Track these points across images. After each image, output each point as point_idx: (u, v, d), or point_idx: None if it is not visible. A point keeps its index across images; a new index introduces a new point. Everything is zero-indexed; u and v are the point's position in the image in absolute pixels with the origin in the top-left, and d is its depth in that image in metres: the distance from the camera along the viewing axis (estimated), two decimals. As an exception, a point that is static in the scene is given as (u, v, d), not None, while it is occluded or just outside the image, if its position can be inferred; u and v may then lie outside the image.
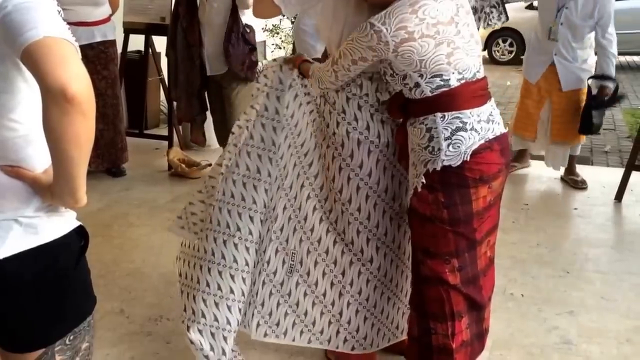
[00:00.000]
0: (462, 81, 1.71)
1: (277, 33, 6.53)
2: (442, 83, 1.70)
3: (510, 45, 10.53)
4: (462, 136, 1.71)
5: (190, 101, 4.01)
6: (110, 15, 4.12)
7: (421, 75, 1.69)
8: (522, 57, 4.47)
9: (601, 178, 4.19)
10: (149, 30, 4.62)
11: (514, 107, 4.38)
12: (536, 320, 2.51)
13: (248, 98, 3.68)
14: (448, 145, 1.70)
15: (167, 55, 4.04)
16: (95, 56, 4.02)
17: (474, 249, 1.81)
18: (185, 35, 3.73)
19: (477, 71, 1.75)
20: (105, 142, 4.19)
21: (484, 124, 1.74)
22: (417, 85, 1.71)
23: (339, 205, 1.98)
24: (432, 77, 1.69)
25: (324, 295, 2.07)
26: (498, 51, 10.66)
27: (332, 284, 2.05)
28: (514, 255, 3.05)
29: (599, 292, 2.72)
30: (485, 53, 10.38)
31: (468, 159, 1.71)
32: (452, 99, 1.71)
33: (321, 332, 2.10)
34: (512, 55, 10.48)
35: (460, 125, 1.71)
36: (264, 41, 6.91)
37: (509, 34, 10.28)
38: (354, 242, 1.99)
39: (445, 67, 1.67)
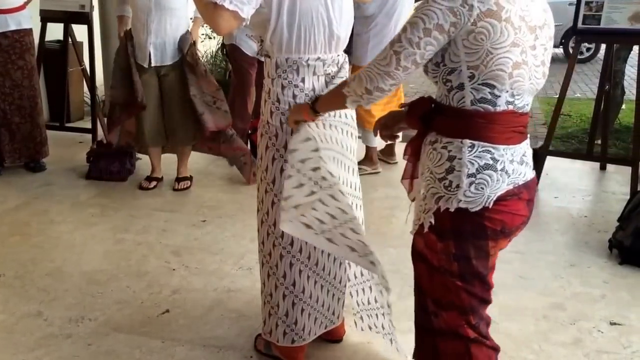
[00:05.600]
0: (510, 107, 1.37)
1: (206, 22, 6.41)
2: (488, 97, 1.35)
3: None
4: (490, 176, 1.37)
5: None
6: (26, 3, 3.92)
7: (472, 76, 1.34)
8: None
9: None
10: (68, 18, 4.44)
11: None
12: (459, 302, 2.59)
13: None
14: (470, 185, 1.37)
15: None
16: (9, 45, 3.84)
17: (485, 305, 1.54)
18: None
19: (527, 104, 1.42)
20: (23, 136, 4.00)
21: (516, 165, 1.41)
22: (461, 87, 1.36)
23: (270, 197, 1.94)
24: (482, 83, 1.34)
25: (265, 286, 2.06)
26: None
27: (268, 275, 2.03)
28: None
29: (518, 271, 2.84)
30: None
31: (490, 205, 1.38)
32: (489, 125, 1.37)
33: (264, 323, 2.09)
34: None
35: (490, 162, 1.37)
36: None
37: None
38: (291, 242, 1.95)
39: (503, 77, 1.32)
